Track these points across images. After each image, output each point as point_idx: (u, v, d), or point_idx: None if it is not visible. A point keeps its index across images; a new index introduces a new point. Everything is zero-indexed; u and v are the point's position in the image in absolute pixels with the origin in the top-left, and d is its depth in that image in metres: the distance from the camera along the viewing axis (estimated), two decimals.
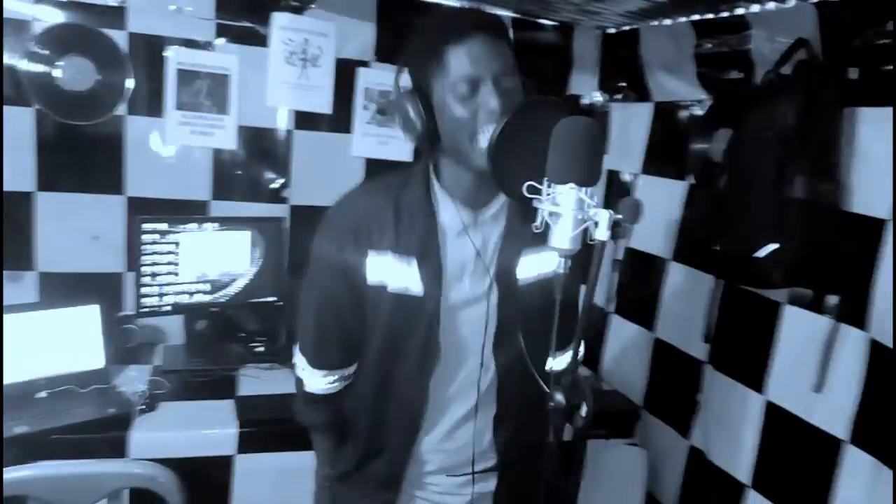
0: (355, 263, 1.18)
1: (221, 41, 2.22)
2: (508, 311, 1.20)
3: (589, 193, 0.91)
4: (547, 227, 0.93)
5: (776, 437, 1.78)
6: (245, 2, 2.22)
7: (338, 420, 1.36)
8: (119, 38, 2.11)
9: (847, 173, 1.57)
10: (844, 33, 1.56)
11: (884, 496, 1.46)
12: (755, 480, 1.83)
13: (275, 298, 2.28)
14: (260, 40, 2.25)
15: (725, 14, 1.94)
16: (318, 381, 1.31)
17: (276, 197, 2.37)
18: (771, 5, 1.74)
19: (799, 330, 1.72)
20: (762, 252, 1.62)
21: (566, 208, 0.91)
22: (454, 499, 1.34)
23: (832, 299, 1.65)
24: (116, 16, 2.10)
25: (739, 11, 1.87)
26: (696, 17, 2.05)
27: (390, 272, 1.17)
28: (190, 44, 2.18)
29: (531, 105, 1.08)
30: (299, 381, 1.37)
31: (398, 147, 2.46)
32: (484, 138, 1.07)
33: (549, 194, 0.93)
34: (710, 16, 2.00)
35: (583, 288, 0.92)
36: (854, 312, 1.56)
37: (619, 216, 0.88)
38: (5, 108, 2.01)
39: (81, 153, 2.14)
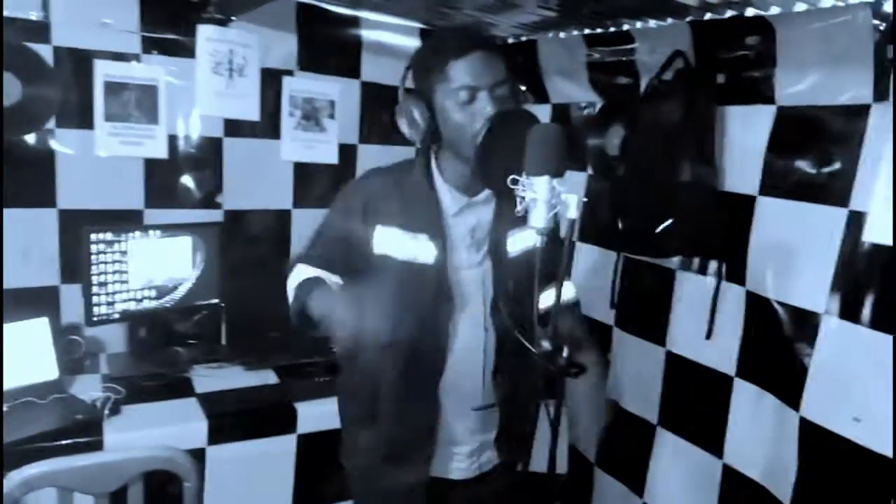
0: (366, 237, 1.37)
1: (149, 54, 2.27)
2: (500, 279, 1.43)
3: (558, 183, 1.16)
4: (526, 210, 1.17)
5: (677, 380, 2.14)
6: (169, 15, 2.28)
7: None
8: (44, 52, 2.12)
9: (721, 159, 1.94)
10: (714, 46, 1.92)
11: (766, 417, 1.84)
12: (662, 420, 2.19)
13: (217, 301, 2.37)
14: (187, 51, 2.33)
15: (612, 29, 2.27)
16: (304, 272, 1.46)
17: (209, 203, 2.45)
18: (652, 23, 2.08)
19: (690, 290, 2.09)
20: (660, 227, 1.96)
21: (541, 195, 1.16)
22: (465, 460, 1.53)
23: (714, 263, 2.03)
24: (40, 30, 2.11)
25: (625, 27, 2.20)
26: (587, 30, 2.37)
27: (397, 245, 1.37)
28: (117, 56, 2.22)
29: (505, 115, 1.31)
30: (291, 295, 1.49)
31: (324, 150, 2.63)
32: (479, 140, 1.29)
33: (526, 185, 1.17)
34: (599, 30, 2.33)
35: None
36: (733, 272, 1.94)
37: (585, 199, 1.13)
38: None
39: (11, 168, 2.12)
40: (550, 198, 1.15)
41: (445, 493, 1.55)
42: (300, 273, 1.48)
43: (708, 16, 1.87)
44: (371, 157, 2.73)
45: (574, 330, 1.32)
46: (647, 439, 2.23)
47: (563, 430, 2.52)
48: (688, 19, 1.94)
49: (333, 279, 1.45)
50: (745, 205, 1.88)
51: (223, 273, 2.38)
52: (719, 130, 1.94)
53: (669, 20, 2.01)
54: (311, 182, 2.63)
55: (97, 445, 1.76)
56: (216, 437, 1.91)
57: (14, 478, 1.22)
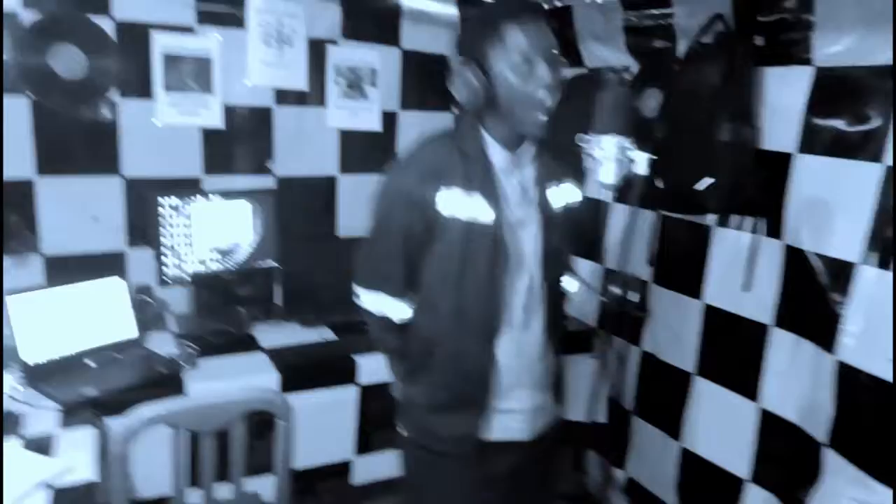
0: (431, 199, 1.43)
1: (203, 25, 2.36)
2: (549, 233, 1.51)
3: (627, 142, 1.27)
4: (595, 168, 1.28)
5: (715, 331, 2.25)
6: None
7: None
8: (106, 25, 2.22)
9: (760, 118, 2.03)
10: (752, 9, 1.99)
11: (802, 363, 1.96)
12: (700, 368, 2.31)
13: (274, 263, 2.49)
14: (238, 22, 2.42)
15: None
16: (405, 308, 1.56)
17: (261, 169, 2.56)
18: None
19: (726, 246, 2.19)
20: (701, 185, 2.05)
21: (610, 153, 1.27)
22: (521, 416, 1.58)
23: (750, 219, 2.12)
24: (101, 3, 2.20)
25: None
26: None
27: (460, 204, 1.43)
28: (174, 28, 2.32)
29: (575, 79, 1.40)
30: (381, 318, 1.58)
31: (368, 117, 2.73)
32: (539, 107, 1.37)
33: (596, 144, 1.28)
34: None
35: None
36: (770, 227, 2.04)
37: (655, 157, 1.24)
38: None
39: (77, 137, 2.24)
40: (619, 155, 1.26)
41: (501, 454, 1.60)
42: (393, 311, 1.57)
43: None
44: (411, 123, 2.83)
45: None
46: (684, 387, 2.36)
47: (601, 381, 2.68)
48: None
49: (406, 310, 1.55)
50: (783, 162, 1.98)
51: (278, 237, 2.50)
52: (758, 91, 2.02)
53: None
54: (355, 148, 2.73)
55: (180, 395, 1.90)
56: (287, 387, 2.05)
57: (136, 416, 1.35)
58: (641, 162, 1.25)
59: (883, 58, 1.72)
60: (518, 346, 1.52)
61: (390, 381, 1.75)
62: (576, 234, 1.53)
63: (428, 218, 1.45)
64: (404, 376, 1.64)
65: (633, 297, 1.31)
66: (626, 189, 1.31)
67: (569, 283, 1.63)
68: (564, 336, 1.63)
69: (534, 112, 1.39)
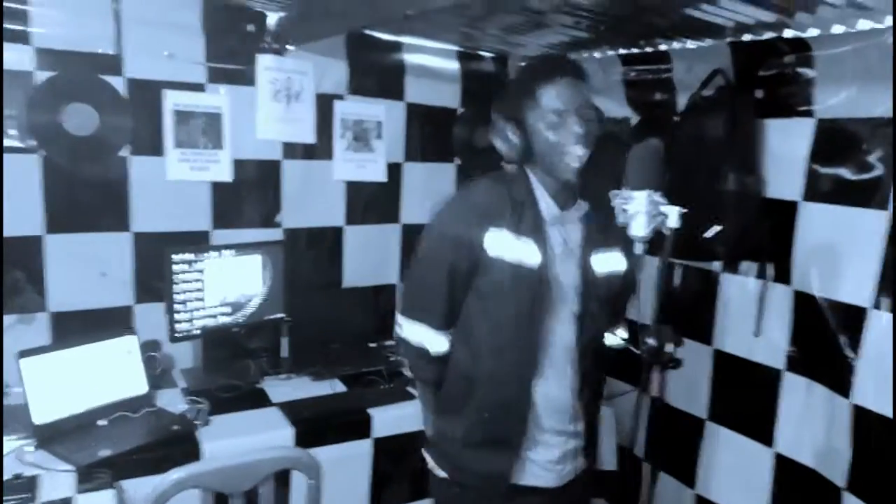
0: (479, 239, 1.48)
1: (213, 83, 2.39)
2: (588, 287, 1.55)
3: (658, 196, 1.30)
4: (627, 222, 1.31)
5: (725, 377, 2.28)
6: (231, 46, 2.42)
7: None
8: (117, 83, 2.24)
9: (764, 168, 2.10)
10: (753, 64, 2.08)
11: (816, 407, 1.99)
12: (711, 413, 2.32)
13: (282, 315, 2.48)
14: (247, 80, 2.46)
15: (648, 49, 2.43)
16: (443, 342, 1.59)
17: (269, 222, 2.57)
18: (690, 43, 2.24)
19: (735, 292, 2.24)
20: (709, 233, 2.10)
21: (642, 207, 1.30)
22: (551, 463, 1.59)
23: (757, 265, 2.17)
24: (113, 64, 2.23)
25: (662, 47, 2.36)
26: (622, 50, 2.53)
27: (508, 247, 1.47)
28: (184, 86, 2.35)
29: (606, 137, 1.45)
30: (419, 349, 1.61)
31: (373, 169, 2.76)
32: (571, 157, 1.43)
33: (627, 198, 1.31)
34: (635, 50, 2.48)
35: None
36: (778, 273, 2.09)
37: (685, 210, 1.28)
38: (12, 156, 2.08)
39: (87, 194, 2.23)
40: (651, 209, 1.30)
41: (529, 499, 1.60)
42: (433, 344, 1.60)
43: (747, 37, 2.03)
44: (416, 174, 2.87)
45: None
46: (696, 433, 2.36)
47: (612, 429, 2.68)
48: (727, 40, 2.10)
49: (445, 344, 1.59)
50: (788, 210, 2.04)
51: (286, 289, 2.50)
52: (761, 142, 2.10)
53: (707, 41, 2.18)
54: (361, 200, 2.76)
55: (196, 454, 1.86)
56: (301, 442, 2.02)
57: (166, 479, 1.33)
58: (673, 215, 1.28)
59: (881, 109, 1.80)
60: (555, 389, 1.55)
61: (422, 422, 1.77)
62: (620, 297, 1.60)
63: (475, 257, 1.50)
64: (437, 409, 1.66)
65: (669, 348, 1.32)
66: (657, 242, 1.33)
67: (611, 339, 1.67)
68: (601, 387, 1.65)
69: (566, 160, 1.45)
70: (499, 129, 1.53)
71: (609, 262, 1.58)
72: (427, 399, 1.71)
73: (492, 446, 1.56)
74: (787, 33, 1.92)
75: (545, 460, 1.57)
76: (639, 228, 1.30)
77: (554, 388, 1.56)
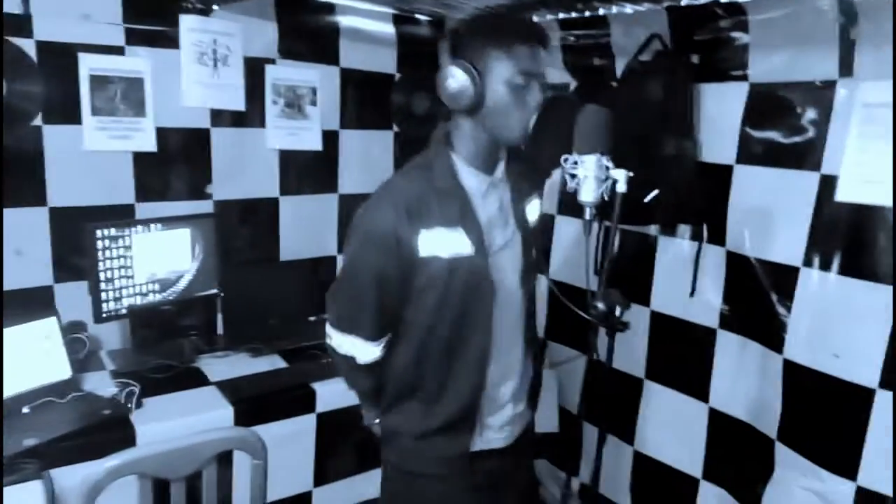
0: (409, 241, 1.38)
1: (133, 46, 2.24)
2: (527, 249, 1.53)
3: (607, 160, 1.29)
4: (576, 187, 1.30)
5: (661, 336, 2.34)
6: (151, 5, 2.26)
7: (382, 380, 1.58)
8: (26, 46, 2.06)
9: (699, 132, 2.13)
10: (689, 29, 2.10)
11: (749, 363, 2.06)
12: (649, 372, 2.38)
13: (216, 291, 2.38)
14: (171, 42, 2.31)
15: (587, 13, 2.41)
16: (373, 351, 1.51)
17: (199, 194, 2.45)
18: (628, 8, 2.24)
19: (671, 254, 2.28)
20: (648, 198, 2.12)
21: (591, 171, 1.29)
22: (503, 427, 1.59)
23: (689, 228, 2.22)
24: (22, 24, 2.05)
25: (601, 12, 2.34)
26: (561, 14, 2.50)
27: (442, 243, 1.40)
28: (101, 49, 2.19)
29: (555, 100, 1.42)
30: (348, 358, 1.54)
31: (308, 137, 2.67)
32: (524, 123, 1.37)
33: (577, 162, 1.30)
34: (574, 14, 2.46)
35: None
36: (713, 235, 2.14)
37: (632, 174, 1.27)
38: None
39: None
40: (599, 173, 1.29)
41: (483, 462, 1.59)
42: (362, 353, 1.52)
43: (684, 1, 2.04)
44: (353, 142, 2.79)
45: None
46: (635, 392, 2.43)
47: (553, 392, 2.72)
48: (665, 4, 2.10)
49: (376, 352, 1.52)
50: (723, 173, 2.08)
51: (219, 263, 2.40)
52: (697, 106, 2.13)
53: (645, 5, 2.17)
54: (296, 169, 2.67)
55: (131, 439, 1.78)
56: (242, 421, 1.96)
57: (99, 467, 1.25)
58: (622, 179, 1.28)
59: (815, 73, 1.84)
60: (505, 367, 1.53)
61: (361, 413, 1.70)
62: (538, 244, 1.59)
63: (405, 259, 1.40)
64: (386, 409, 1.59)
65: (618, 311, 1.33)
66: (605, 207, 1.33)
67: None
68: (542, 347, 1.64)
69: (515, 127, 1.38)
70: (449, 72, 1.37)
71: (534, 210, 1.57)
72: (367, 406, 1.65)
73: (447, 432, 1.52)
74: None
75: (498, 425, 1.57)
76: (588, 193, 1.29)
77: (504, 363, 1.54)
